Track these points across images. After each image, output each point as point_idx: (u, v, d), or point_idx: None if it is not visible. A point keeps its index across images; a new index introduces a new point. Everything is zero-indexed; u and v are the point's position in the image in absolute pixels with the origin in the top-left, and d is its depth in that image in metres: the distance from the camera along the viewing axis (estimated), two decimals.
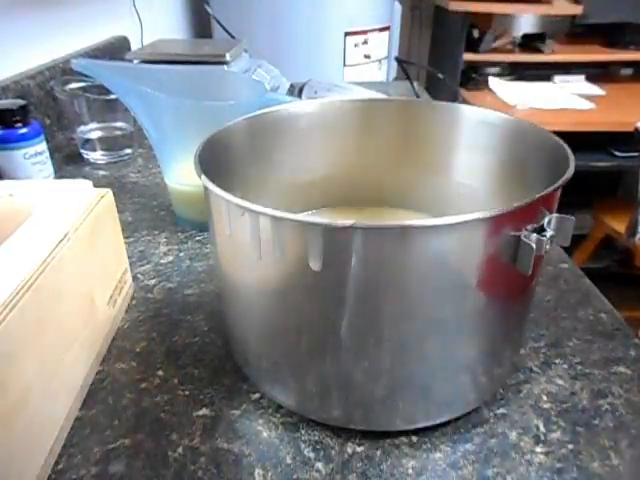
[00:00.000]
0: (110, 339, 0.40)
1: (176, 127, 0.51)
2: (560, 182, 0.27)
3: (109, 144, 0.74)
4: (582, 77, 1.99)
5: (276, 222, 0.26)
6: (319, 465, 0.30)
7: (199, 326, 0.42)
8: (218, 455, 0.31)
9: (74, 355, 0.34)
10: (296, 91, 0.76)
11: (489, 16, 1.94)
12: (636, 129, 1.36)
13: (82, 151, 0.75)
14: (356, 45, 1.36)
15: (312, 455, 0.31)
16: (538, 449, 0.31)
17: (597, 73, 1.94)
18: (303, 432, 0.32)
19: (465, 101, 1.77)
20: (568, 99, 1.76)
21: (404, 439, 0.32)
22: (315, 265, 0.26)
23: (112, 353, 0.39)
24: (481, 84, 1.97)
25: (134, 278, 0.47)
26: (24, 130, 0.61)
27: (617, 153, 1.65)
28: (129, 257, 0.47)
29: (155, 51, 0.79)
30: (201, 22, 1.54)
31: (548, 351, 0.39)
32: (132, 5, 1.11)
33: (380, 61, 1.44)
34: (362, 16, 1.35)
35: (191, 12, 1.52)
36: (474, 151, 0.40)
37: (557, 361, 0.38)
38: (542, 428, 0.33)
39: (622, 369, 0.37)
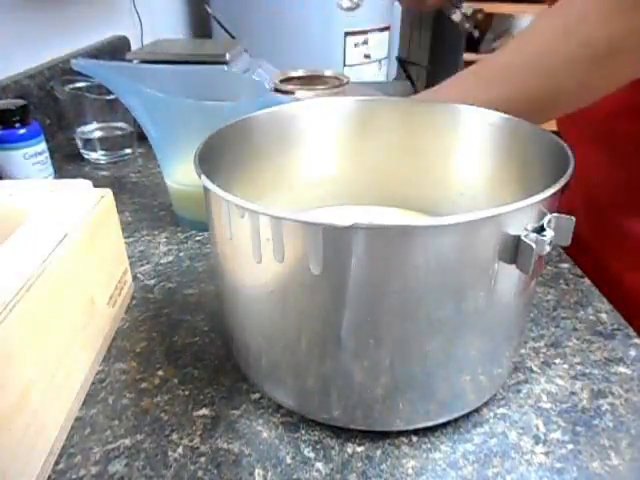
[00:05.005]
0: (110, 339, 0.40)
1: (176, 127, 0.51)
2: (560, 182, 0.27)
3: (109, 144, 0.74)
4: None
5: (276, 222, 0.26)
6: (319, 465, 0.30)
7: (199, 326, 0.42)
8: (218, 455, 0.31)
9: (74, 355, 0.34)
10: None
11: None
12: None
13: (82, 151, 0.75)
14: (356, 45, 1.36)
15: (312, 455, 0.31)
16: (538, 449, 0.31)
17: None
18: (303, 432, 0.32)
19: None
20: None
21: (404, 439, 0.32)
22: (315, 267, 0.26)
23: (112, 353, 0.39)
24: None
25: (134, 278, 0.47)
26: (24, 130, 0.61)
27: None
28: (129, 257, 0.47)
29: (155, 51, 0.79)
30: (201, 22, 1.54)
31: (548, 351, 0.39)
32: (132, 5, 1.11)
33: (380, 61, 1.44)
34: (362, 16, 1.35)
35: (191, 12, 1.52)
36: (474, 151, 0.40)
37: (557, 361, 0.38)
38: (542, 428, 0.33)
39: (622, 369, 0.37)
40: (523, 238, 0.25)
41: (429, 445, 0.32)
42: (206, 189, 0.29)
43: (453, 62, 1.92)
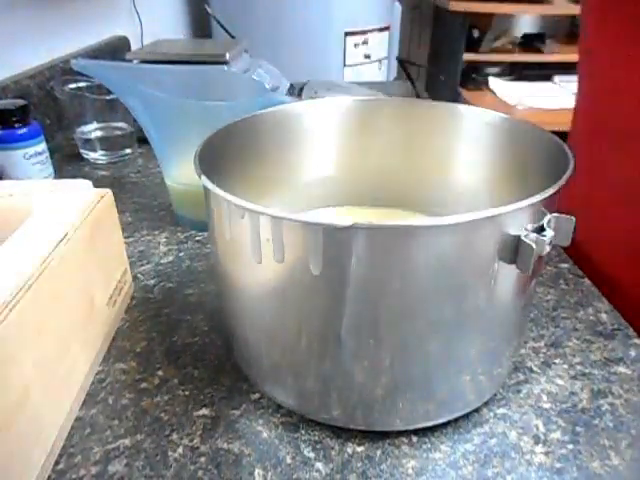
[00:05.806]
0: (110, 339, 0.40)
1: (176, 127, 0.51)
2: (560, 182, 0.27)
3: (109, 144, 0.74)
4: None
5: (276, 222, 0.26)
6: (319, 465, 0.30)
7: (199, 326, 0.42)
8: (218, 455, 0.31)
9: (74, 355, 0.34)
10: (296, 91, 0.76)
11: (489, 16, 1.94)
12: None
13: (82, 151, 0.75)
14: (356, 45, 1.36)
15: (312, 455, 0.31)
16: (538, 449, 0.31)
17: None
18: (303, 432, 0.32)
19: (465, 101, 1.77)
20: (568, 99, 1.75)
21: (404, 439, 0.32)
22: (315, 267, 0.26)
23: (112, 353, 0.39)
24: (481, 84, 1.97)
25: (134, 278, 0.47)
26: (24, 130, 0.61)
27: None
28: (129, 257, 0.47)
29: (155, 51, 0.79)
30: (201, 22, 1.54)
31: (548, 351, 0.39)
32: (132, 5, 1.11)
33: (380, 61, 1.44)
34: (362, 16, 1.35)
35: (191, 12, 1.52)
36: (474, 151, 0.40)
37: (557, 361, 0.38)
38: (542, 428, 0.33)
39: (622, 369, 0.37)
40: (523, 238, 0.25)
41: (429, 445, 0.32)
42: (206, 189, 0.29)
43: (453, 62, 1.92)
